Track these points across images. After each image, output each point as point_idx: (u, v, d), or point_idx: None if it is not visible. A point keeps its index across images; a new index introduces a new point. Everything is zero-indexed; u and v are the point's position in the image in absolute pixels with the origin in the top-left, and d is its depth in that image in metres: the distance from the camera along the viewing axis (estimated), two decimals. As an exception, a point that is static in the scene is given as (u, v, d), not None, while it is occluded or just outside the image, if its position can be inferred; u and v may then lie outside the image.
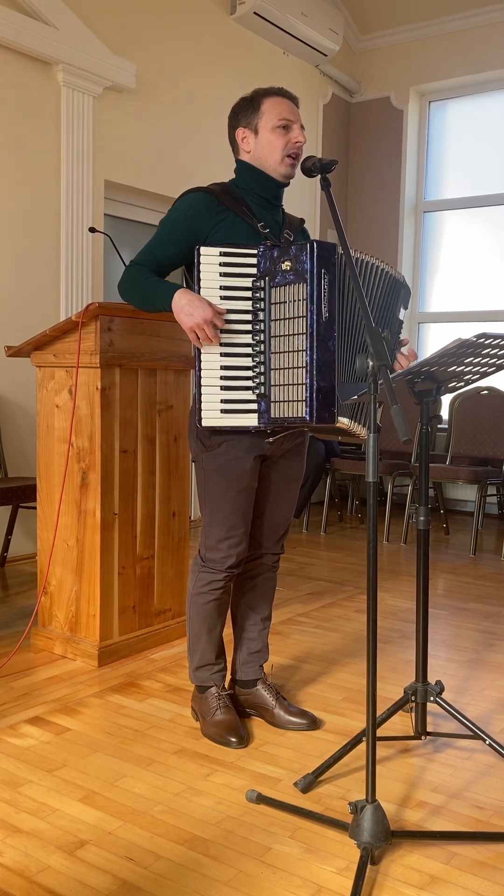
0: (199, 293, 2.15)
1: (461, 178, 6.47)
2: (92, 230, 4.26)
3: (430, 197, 6.65)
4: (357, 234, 6.79)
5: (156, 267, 2.29)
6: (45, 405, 3.04)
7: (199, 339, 2.14)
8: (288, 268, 2.11)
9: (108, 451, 2.90)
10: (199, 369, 2.17)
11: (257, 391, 2.19)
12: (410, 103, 6.50)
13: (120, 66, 4.69)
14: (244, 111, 2.30)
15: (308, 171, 2.24)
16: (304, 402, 2.11)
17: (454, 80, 6.31)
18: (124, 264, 3.99)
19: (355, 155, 6.81)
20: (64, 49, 4.37)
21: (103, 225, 4.84)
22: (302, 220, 2.48)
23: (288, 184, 2.34)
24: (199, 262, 2.14)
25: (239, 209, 2.25)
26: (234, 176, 2.36)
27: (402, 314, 2.40)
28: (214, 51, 5.45)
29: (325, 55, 6.15)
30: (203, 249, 2.14)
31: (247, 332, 2.19)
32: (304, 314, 2.10)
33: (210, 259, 2.15)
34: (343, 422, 2.17)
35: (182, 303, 2.14)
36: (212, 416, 2.18)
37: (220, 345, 2.17)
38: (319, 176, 2.19)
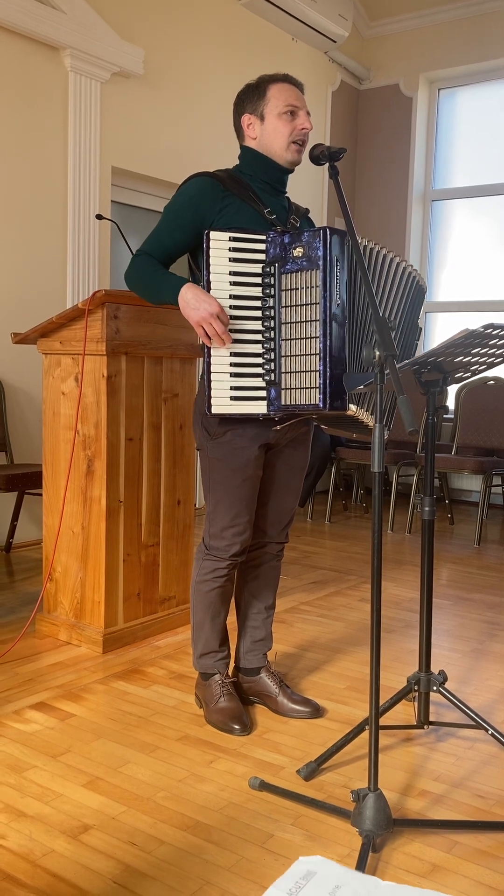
0: (208, 278, 2.14)
1: (470, 167, 6.43)
2: (99, 217, 4.26)
3: (439, 185, 6.61)
4: (364, 222, 6.76)
5: (163, 254, 2.28)
6: (52, 392, 3.04)
7: (207, 335, 2.14)
8: (300, 254, 2.10)
9: (113, 438, 2.90)
10: (209, 356, 2.16)
11: (267, 378, 2.18)
12: (420, 91, 6.45)
13: (128, 51, 4.66)
14: (250, 98, 2.29)
15: (316, 159, 2.23)
16: (317, 389, 2.10)
17: (464, 68, 6.26)
18: (131, 251, 3.99)
19: (363, 143, 6.77)
20: (71, 34, 4.34)
21: (110, 212, 4.82)
22: (307, 210, 2.46)
23: (293, 170, 2.32)
24: (208, 248, 2.12)
25: (245, 194, 2.24)
26: (238, 162, 2.35)
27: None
28: (223, 36, 5.41)
29: (334, 41, 6.10)
30: (213, 234, 2.12)
31: (256, 318, 2.17)
32: (318, 301, 2.09)
33: (220, 244, 2.12)
34: (353, 409, 2.16)
35: (188, 297, 2.13)
36: (222, 403, 2.17)
37: (230, 331, 2.16)
38: (328, 164, 2.18)
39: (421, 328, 2.41)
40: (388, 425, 2.31)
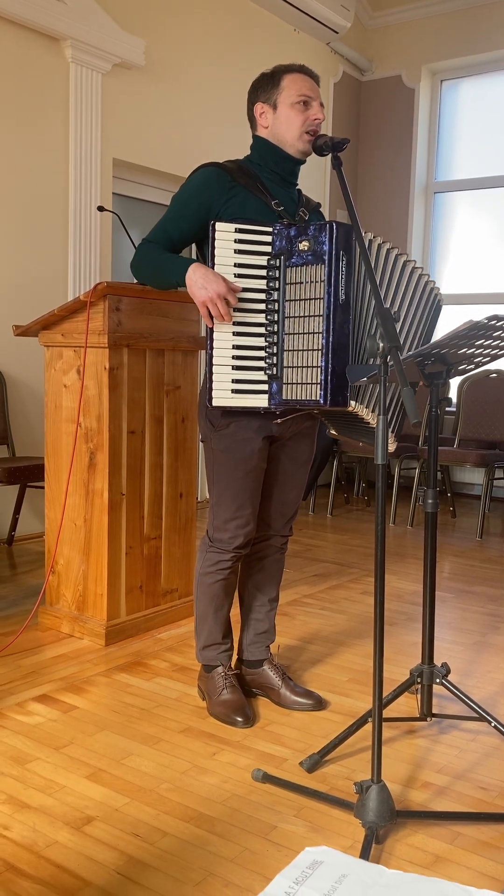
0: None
1: (473, 159, 6.40)
2: (100, 209, 4.25)
3: (441, 177, 6.59)
4: (367, 214, 6.74)
5: (168, 244, 2.27)
6: (53, 385, 3.03)
7: (210, 315, 2.12)
8: (306, 248, 2.09)
9: (115, 431, 2.90)
10: (211, 348, 2.15)
11: (269, 372, 2.17)
12: (422, 82, 6.42)
13: (129, 42, 4.64)
14: (263, 86, 2.27)
15: (319, 150, 2.22)
16: (318, 385, 2.09)
17: (467, 59, 6.23)
18: (133, 244, 3.98)
19: (366, 134, 6.75)
20: (72, 25, 4.32)
21: (112, 204, 4.81)
22: (318, 204, 2.46)
23: (304, 161, 2.31)
24: (213, 238, 2.11)
25: (252, 185, 2.23)
26: (248, 153, 2.34)
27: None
28: (224, 28, 5.38)
29: (337, 32, 6.07)
30: (219, 225, 2.11)
31: (260, 311, 2.16)
32: (322, 296, 2.08)
33: (225, 235, 2.11)
34: (353, 405, 2.15)
35: (196, 276, 2.12)
36: (223, 395, 2.17)
37: (233, 324, 2.14)
38: (331, 154, 2.17)
39: None
40: (395, 430, 2.29)
